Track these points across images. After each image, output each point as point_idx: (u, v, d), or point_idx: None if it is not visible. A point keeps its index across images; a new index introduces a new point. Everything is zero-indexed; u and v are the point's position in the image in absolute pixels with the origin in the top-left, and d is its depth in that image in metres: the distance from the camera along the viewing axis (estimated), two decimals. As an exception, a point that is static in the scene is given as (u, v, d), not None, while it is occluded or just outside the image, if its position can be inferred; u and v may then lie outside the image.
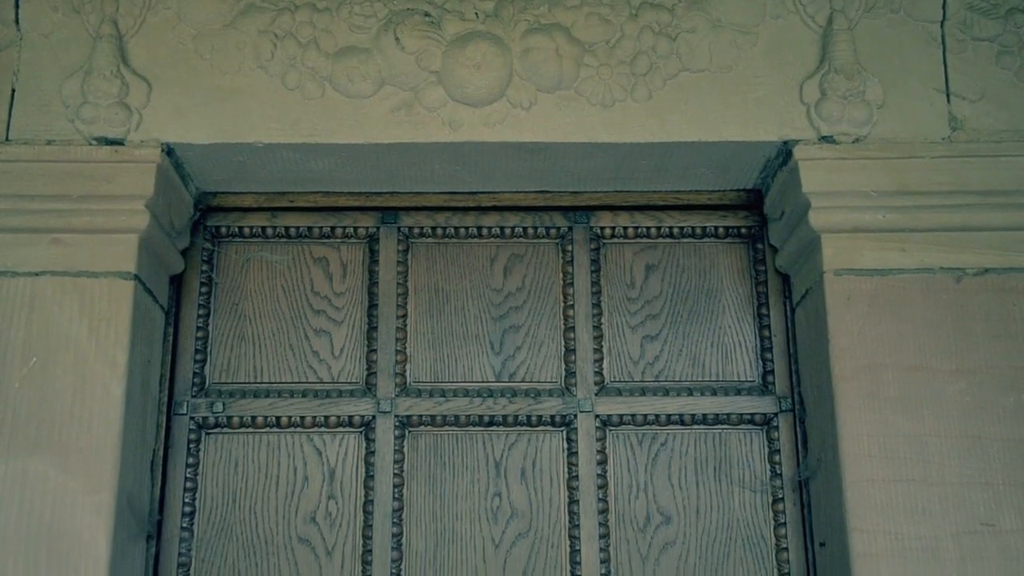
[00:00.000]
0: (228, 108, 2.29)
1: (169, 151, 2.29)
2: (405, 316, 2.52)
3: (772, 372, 2.43)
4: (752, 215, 2.54)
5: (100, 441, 2.11)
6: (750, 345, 2.47)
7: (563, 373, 2.46)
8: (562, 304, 2.52)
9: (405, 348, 2.49)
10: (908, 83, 2.28)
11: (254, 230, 2.56)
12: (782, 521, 2.33)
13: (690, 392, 2.42)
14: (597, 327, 2.49)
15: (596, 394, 2.42)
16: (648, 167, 2.40)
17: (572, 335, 2.48)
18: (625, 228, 2.56)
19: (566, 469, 2.40)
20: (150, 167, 2.24)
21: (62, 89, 2.26)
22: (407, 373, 2.47)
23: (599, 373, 2.45)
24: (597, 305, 2.51)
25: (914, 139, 2.25)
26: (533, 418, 2.41)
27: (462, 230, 2.57)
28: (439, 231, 2.57)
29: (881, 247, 2.20)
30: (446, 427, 2.43)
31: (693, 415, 2.41)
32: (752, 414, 2.40)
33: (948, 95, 2.28)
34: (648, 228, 2.55)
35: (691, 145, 2.30)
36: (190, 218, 2.48)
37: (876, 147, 2.25)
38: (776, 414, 2.40)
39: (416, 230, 2.57)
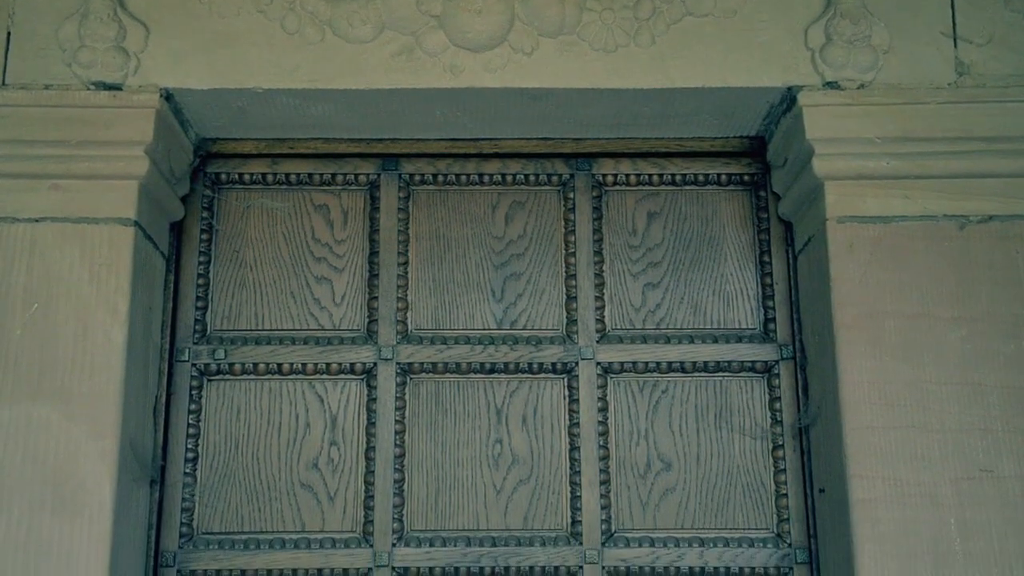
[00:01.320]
0: (227, 53, 2.27)
1: (168, 96, 2.27)
2: (406, 263, 2.51)
3: (773, 320, 2.43)
4: (755, 162, 2.52)
5: (102, 387, 2.12)
6: (752, 293, 2.47)
7: (564, 321, 2.46)
8: (563, 252, 2.51)
9: (406, 295, 2.49)
10: (915, 27, 2.25)
11: (254, 177, 2.54)
12: (782, 468, 2.34)
13: (691, 340, 2.43)
14: (599, 275, 2.49)
15: (597, 341, 2.43)
16: (651, 114, 2.38)
17: (573, 283, 2.48)
18: (627, 175, 2.54)
19: (567, 416, 2.41)
20: (149, 113, 2.23)
21: (59, 33, 2.24)
22: (408, 320, 2.47)
23: (600, 321, 2.45)
24: (599, 253, 2.50)
25: (920, 85, 2.23)
26: (534, 365, 2.41)
27: (463, 177, 2.55)
28: (440, 178, 2.56)
29: (885, 194, 2.19)
30: (447, 374, 2.44)
31: (694, 362, 2.41)
32: (753, 362, 2.41)
33: (955, 39, 2.25)
34: (650, 175, 2.54)
35: (694, 91, 2.28)
36: (190, 164, 2.47)
37: (881, 93, 2.22)
38: (777, 362, 2.40)
39: (417, 177, 2.56)
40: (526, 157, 2.55)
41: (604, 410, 2.39)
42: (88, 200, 2.20)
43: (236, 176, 2.54)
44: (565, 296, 2.44)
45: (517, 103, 2.33)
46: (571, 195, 2.52)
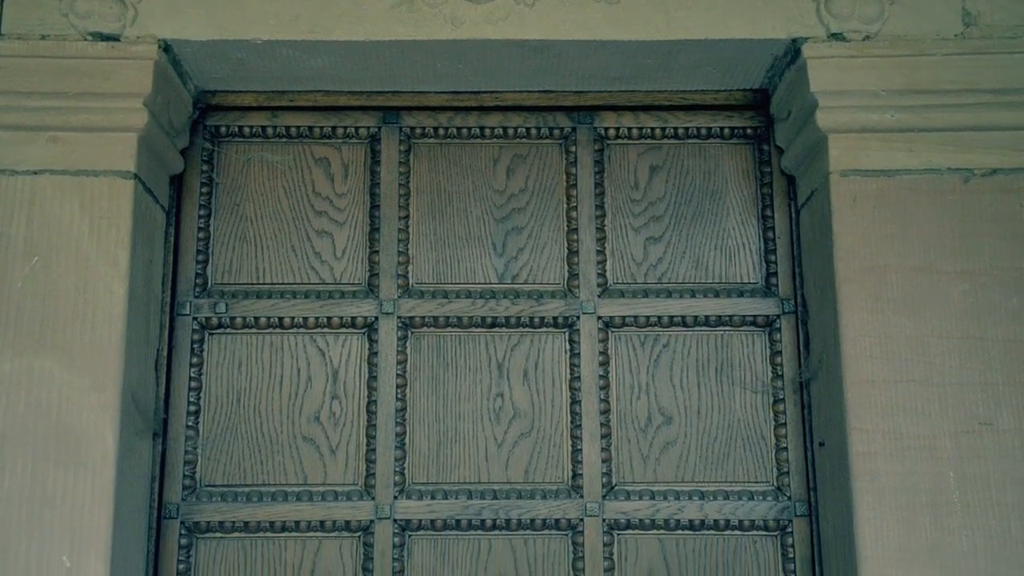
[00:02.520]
0: (226, 3, 2.24)
1: (166, 48, 2.25)
2: (407, 217, 2.50)
3: (775, 274, 2.43)
4: (758, 115, 2.50)
5: (104, 340, 2.12)
6: (754, 247, 2.46)
7: (566, 275, 2.46)
8: (565, 205, 2.50)
9: (407, 249, 2.48)
10: (921, -23, 2.22)
11: (254, 130, 2.53)
12: (782, 421, 2.35)
13: (693, 294, 2.42)
14: (600, 229, 2.48)
15: (599, 296, 2.42)
16: (653, 66, 2.36)
17: (575, 237, 2.47)
18: (629, 129, 2.52)
19: (568, 370, 2.41)
20: (147, 64, 2.20)
21: (55, -18, 2.21)
22: (409, 274, 2.47)
23: (602, 275, 2.45)
24: (600, 207, 2.49)
25: (926, 36, 2.20)
26: (535, 319, 2.41)
27: (464, 130, 2.53)
28: (441, 131, 2.54)
29: (889, 147, 2.17)
30: (448, 328, 2.44)
31: (695, 317, 2.41)
32: (755, 316, 2.41)
33: (962, -11, 2.22)
34: (653, 129, 2.52)
35: (697, 43, 2.25)
36: (189, 117, 2.45)
37: (886, 44, 2.20)
38: (779, 316, 2.40)
39: (418, 130, 2.54)
40: (528, 110, 2.53)
41: (605, 364, 2.39)
42: (87, 153, 2.18)
43: (236, 129, 2.52)
44: (566, 250, 2.43)
45: (518, 55, 2.30)
46: (573, 149, 2.51)
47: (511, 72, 2.39)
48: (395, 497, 2.34)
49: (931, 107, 2.16)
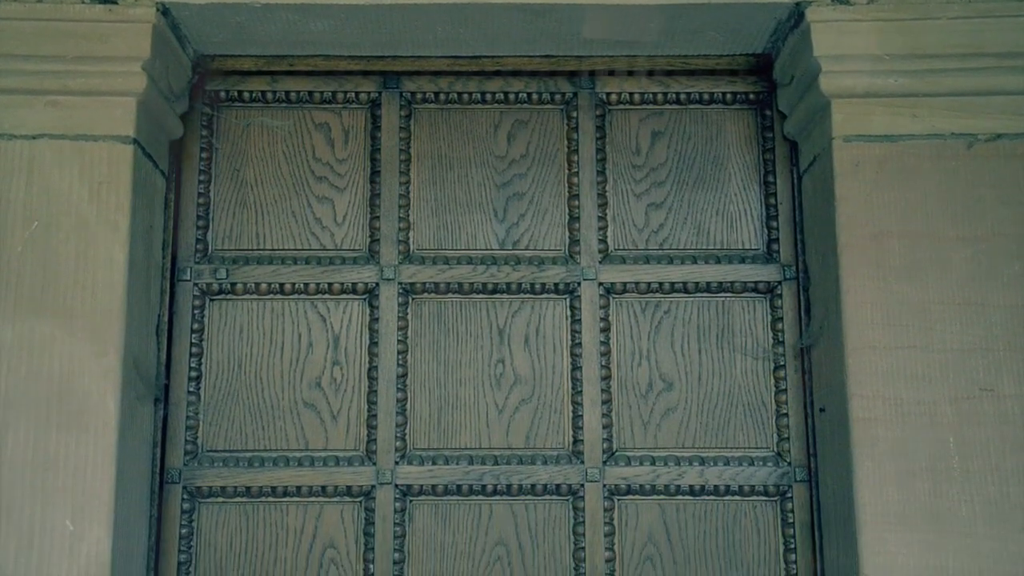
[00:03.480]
0: (225, -35, 2.21)
1: (165, 11, 2.22)
2: (408, 183, 2.49)
3: (777, 240, 2.42)
4: (761, 81, 2.49)
5: (105, 305, 2.12)
6: (756, 213, 2.45)
7: (567, 241, 2.45)
8: (566, 171, 2.49)
9: (408, 215, 2.48)
10: (926, -62, 2.20)
11: (254, 95, 2.51)
12: (783, 388, 2.35)
13: (694, 260, 2.42)
14: (601, 195, 2.47)
15: (600, 262, 2.42)
16: (656, 30, 2.33)
17: (576, 203, 2.46)
18: (631, 94, 2.50)
19: (569, 336, 2.41)
20: (146, 27, 2.18)
21: (52, -57, 2.18)
22: (410, 240, 2.46)
23: (603, 241, 2.44)
24: (602, 172, 2.48)
25: (930, -1, 2.18)
26: (536, 286, 2.41)
27: (465, 95, 2.52)
28: (441, 96, 2.52)
29: (892, 112, 2.16)
30: (449, 294, 2.43)
31: (697, 283, 2.40)
32: (756, 282, 2.40)
33: (967, -49, 2.19)
34: (655, 94, 2.50)
35: (701, 7, 2.23)
36: (188, 81, 2.43)
37: (891, 8, 2.17)
38: (780, 282, 2.39)
39: (419, 95, 2.52)
40: (529, 75, 2.51)
41: (606, 330, 2.39)
42: (86, 117, 2.17)
43: (236, 94, 2.51)
44: (568, 216, 2.42)
45: (520, 19, 2.28)
46: (574, 114, 2.49)
47: (512, 36, 2.37)
48: (396, 463, 2.35)
49: (936, 72, 2.15)
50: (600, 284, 2.40)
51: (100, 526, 2.02)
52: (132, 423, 2.16)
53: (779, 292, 2.39)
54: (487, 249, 2.44)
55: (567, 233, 2.46)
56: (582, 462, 2.32)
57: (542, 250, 2.45)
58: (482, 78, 2.51)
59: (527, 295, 2.42)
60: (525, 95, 2.51)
